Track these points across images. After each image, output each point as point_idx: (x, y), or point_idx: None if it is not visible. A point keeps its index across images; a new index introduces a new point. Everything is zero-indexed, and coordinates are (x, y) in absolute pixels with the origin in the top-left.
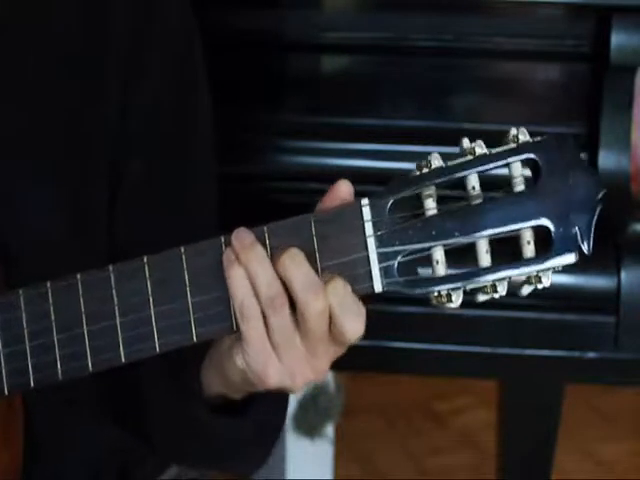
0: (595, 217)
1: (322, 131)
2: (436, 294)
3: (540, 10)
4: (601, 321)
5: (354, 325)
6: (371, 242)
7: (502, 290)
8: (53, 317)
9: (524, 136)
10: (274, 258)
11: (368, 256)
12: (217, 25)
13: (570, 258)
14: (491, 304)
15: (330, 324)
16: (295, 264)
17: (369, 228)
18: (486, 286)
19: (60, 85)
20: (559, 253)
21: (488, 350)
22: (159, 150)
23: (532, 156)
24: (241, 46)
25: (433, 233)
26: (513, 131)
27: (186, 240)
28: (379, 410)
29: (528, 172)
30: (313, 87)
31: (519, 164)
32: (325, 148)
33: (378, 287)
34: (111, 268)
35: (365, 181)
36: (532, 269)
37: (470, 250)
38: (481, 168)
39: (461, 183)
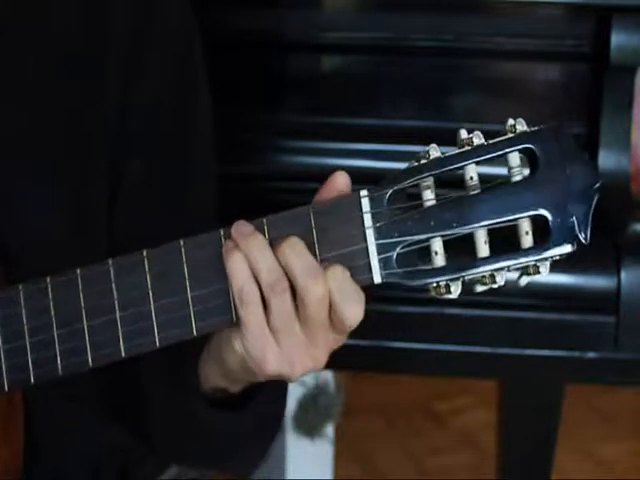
0: (593, 207)
1: (322, 131)
2: (435, 285)
3: (540, 10)
4: (601, 321)
5: (354, 311)
6: (370, 233)
7: (501, 280)
8: (53, 312)
9: (521, 126)
10: (274, 247)
11: (367, 247)
12: (217, 25)
13: (568, 248)
14: (491, 304)
15: (330, 311)
16: (295, 252)
17: (368, 219)
18: (485, 276)
19: (60, 85)
20: (557, 243)
21: (488, 350)
22: (159, 150)
23: (529, 146)
24: (241, 46)
25: (432, 224)
26: (510, 121)
27: None
28: (379, 410)
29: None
30: (313, 87)
31: (517, 154)
32: (325, 148)
33: (377, 278)
34: (110, 262)
35: (365, 181)
36: (530, 259)
37: (469, 241)
38: (479, 158)
39: (459, 175)
